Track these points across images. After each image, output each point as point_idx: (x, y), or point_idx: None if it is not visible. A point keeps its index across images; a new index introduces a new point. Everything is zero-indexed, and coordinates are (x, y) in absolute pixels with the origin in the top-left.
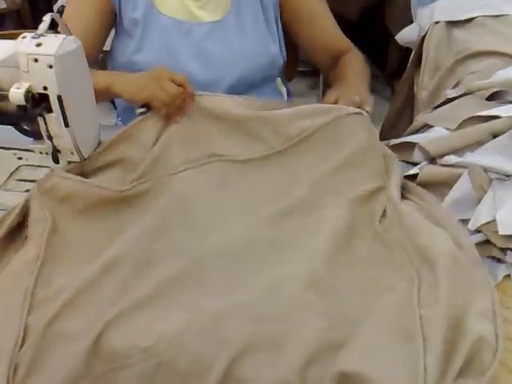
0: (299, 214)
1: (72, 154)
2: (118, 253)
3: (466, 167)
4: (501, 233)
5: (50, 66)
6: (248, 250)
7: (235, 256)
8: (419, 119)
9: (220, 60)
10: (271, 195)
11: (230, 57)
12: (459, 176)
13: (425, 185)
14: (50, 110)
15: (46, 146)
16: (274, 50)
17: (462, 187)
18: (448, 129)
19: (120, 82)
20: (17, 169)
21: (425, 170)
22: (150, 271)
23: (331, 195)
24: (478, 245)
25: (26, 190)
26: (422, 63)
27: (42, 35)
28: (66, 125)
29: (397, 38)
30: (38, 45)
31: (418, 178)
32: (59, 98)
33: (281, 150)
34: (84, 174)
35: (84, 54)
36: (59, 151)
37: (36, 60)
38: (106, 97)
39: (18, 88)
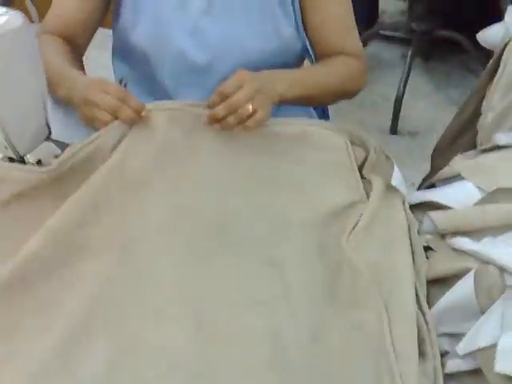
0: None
1: (6, 148)
2: (36, 249)
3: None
4: (497, 369)
5: None
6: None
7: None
8: (454, 164)
9: (217, 40)
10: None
11: (229, 37)
12: (467, 271)
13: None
14: None
15: None
16: (287, 31)
17: (463, 289)
18: (480, 188)
19: (72, 96)
20: None
21: (429, 264)
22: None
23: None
24: (468, 374)
25: None
26: (496, 76)
27: None
28: None
29: (477, 36)
30: None
31: None
32: None
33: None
34: None
35: (30, 32)
36: None
37: None
38: None
39: None
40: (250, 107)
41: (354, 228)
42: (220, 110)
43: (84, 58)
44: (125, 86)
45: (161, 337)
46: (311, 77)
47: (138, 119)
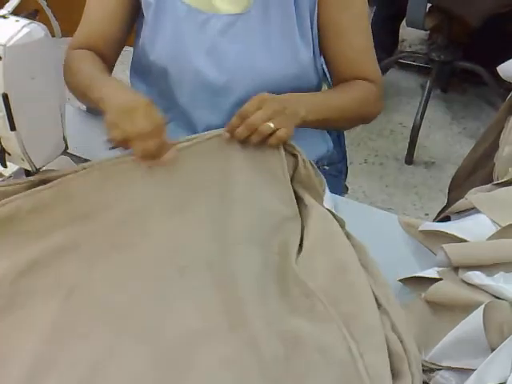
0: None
1: (22, 160)
2: None
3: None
4: None
5: None
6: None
7: None
8: (469, 197)
9: (235, 62)
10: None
11: (247, 60)
12: (478, 305)
13: (434, 303)
14: None
15: None
16: (305, 58)
17: (473, 323)
18: (494, 222)
19: (106, 101)
20: None
21: (436, 288)
22: None
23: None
24: None
25: None
26: None
27: (3, 16)
28: (13, 128)
29: (498, 69)
30: None
31: (426, 294)
32: (5, 96)
33: None
34: None
35: (52, 45)
36: (9, 154)
37: None
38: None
39: None
40: (272, 125)
41: (299, 251)
42: (241, 131)
43: None
44: None
45: (116, 377)
46: (330, 101)
47: (152, 161)
